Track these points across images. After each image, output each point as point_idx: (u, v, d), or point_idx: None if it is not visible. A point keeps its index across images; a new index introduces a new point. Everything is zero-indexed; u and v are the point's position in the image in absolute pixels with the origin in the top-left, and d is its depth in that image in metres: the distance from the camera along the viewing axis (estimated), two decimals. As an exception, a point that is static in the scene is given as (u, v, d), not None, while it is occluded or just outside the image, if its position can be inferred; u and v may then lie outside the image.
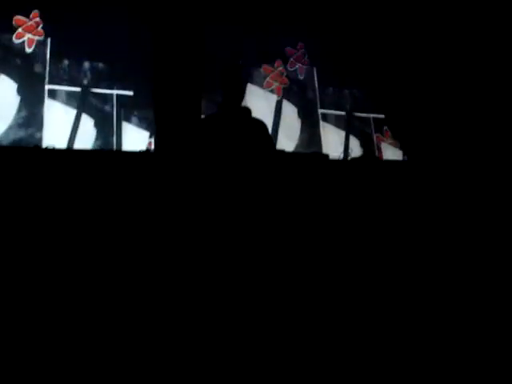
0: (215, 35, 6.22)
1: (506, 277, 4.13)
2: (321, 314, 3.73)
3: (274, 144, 3.76)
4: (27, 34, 5.75)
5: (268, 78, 6.83)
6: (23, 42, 5.75)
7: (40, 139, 5.50)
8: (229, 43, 6.31)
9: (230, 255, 3.36)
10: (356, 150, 6.53)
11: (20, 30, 5.75)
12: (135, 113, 5.96)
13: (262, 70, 6.80)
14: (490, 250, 4.36)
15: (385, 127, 7.02)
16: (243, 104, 3.89)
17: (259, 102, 6.47)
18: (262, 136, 3.69)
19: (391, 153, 6.79)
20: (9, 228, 3.78)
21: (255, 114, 3.85)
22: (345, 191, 4.50)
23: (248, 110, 3.75)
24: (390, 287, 4.03)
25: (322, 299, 3.82)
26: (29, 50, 5.71)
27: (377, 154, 6.75)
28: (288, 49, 6.88)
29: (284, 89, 6.82)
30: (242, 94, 3.77)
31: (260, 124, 3.71)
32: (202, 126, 3.99)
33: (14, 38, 5.72)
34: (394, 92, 6.91)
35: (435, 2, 6.53)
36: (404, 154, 6.84)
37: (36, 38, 5.76)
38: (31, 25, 5.76)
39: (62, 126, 5.64)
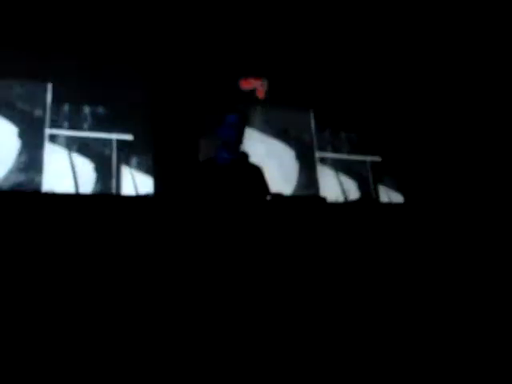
0: (210, 78, 6.33)
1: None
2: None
3: (269, 190, 3.79)
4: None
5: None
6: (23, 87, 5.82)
7: (39, 183, 5.52)
8: (223, 86, 6.40)
9: (227, 300, 3.37)
10: (353, 192, 6.55)
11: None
12: (134, 157, 6.00)
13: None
14: (489, 295, 4.36)
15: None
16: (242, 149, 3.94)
17: (256, 145, 6.51)
18: (258, 182, 3.73)
19: (388, 195, 6.81)
20: (7, 273, 3.78)
21: (252, 156, 3.89)
22: (343, 234, 4.51)
23: (245, 155, 3.80)
24: (390, 336, 4.03)
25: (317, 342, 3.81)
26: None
27: (374, 196, 6.79)
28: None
29: (281, 132, 6.87)
30: (241, 140, 3.82)
31: (257, 170, 3.75)
32: (200, 171, 4.02)
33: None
34: (391, 135, 6.98)
35: (429, 46, 6.65)
36: (403, 196, 6.88)
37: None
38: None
39: (62, 170, 5.66)
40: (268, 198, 3.91)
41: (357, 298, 4.23)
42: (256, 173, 3.77)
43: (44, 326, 3.64)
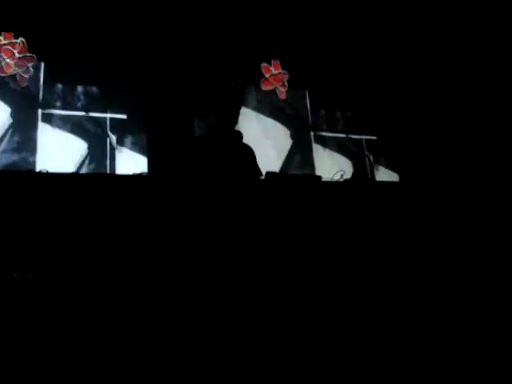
0: (205, 56, 6.29)
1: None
2: (314, 326, 3.74)
3: (261, 173, 3.76)
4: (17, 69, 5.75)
5: (268, 77, 6.86)
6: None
7: (33, 163, 5.49)
8: (219, 63, 6.36)
9: (223, 278, 3.37)
10: (349, 171, 6.55)
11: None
12: (128, 136, 5.98)
13: (261, 69, 6.81)
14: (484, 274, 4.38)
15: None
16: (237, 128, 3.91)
17: (251, 124, 6.49)
18: (249, 163, 3.70)
19: (384, 174, 6.81)
20: (3, 252, 3.79)
21: (247, 136, 3.86)
22: (337, 212, 4.52)
23: (239, 135, 3.77)
24: (385, 306, 4.04)
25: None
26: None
27: (369, 175, 6.79)
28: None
29: (277, 110, 6.85)
30: (235, 117, 3.78)
31: (249, 151, 3.73)
32: (193, 149, 3.99)
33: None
34: (387, 114, 6.97)
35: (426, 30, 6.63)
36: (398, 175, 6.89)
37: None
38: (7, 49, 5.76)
39: (56, 149, 5.64)
40: (259, 177, 3.88)
41: (352, 277, 4.24)
42: (247, 154, 3.74)
43: (38, 306, 3.65)
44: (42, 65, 5.85)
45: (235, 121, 3.75)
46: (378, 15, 6.89)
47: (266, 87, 6.82)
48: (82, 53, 5.90)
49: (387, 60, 7.04)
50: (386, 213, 4.66)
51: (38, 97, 5.76)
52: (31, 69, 5.78)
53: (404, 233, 4.59)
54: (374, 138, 7.09)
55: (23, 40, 5.79)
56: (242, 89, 6.05)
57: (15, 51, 5.73)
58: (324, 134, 6.97)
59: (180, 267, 3.77)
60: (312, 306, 3.94)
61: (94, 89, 6.00)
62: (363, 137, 7.06)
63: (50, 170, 4.60)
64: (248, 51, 6.60)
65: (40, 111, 5.71)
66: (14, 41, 5.76)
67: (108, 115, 5.94)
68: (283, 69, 6.91)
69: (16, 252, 3.83)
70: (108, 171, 5.74)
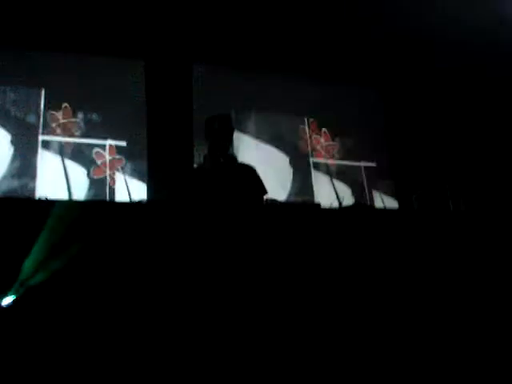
0: (207, 83, 6.32)
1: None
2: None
3: (265, 188, 3.78)
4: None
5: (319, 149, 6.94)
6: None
7: (33, 189, 5.50)
8: (220, 91, 6.38)
9: (222, 305, 3.36)
10: (347, 198, 6.55)
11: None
12: (128, 163, 6.00)
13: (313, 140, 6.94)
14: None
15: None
16: (230, 152, 3.93)
17: (250, 152, 6.51)
18: (252, 182, 3.71)
19: (383, 201, 6.81)
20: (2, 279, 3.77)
21: (246, 161, 3.88)
22: (337, 240, 4.51)
23: (233, 158, 3.79)
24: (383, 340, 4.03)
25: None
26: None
27: (368, 202, 6.79)
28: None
29: (275, 138, 6.87)
30: (228, 143, 3.80)
31: (250, 170, 3.74)
32: (193, 177, 4.01)
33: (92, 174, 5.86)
34: (385, 141, 6.99)
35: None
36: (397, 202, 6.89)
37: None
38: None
39: (56, 176, 5.65)
40: (264, 197, 3.89)
41: (351, 303, 4.23)
42: (249, 173, 3.76)
43: (39, 335, 3.63)
44: (43, 91, 5.87)
45: (227, 147, 3.77)
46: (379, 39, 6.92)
47: (317, 159, 6.92)
48: (82, 79, 5.93)
49: (386, 84, 7.08)
50: (385, 240, 4.65)
51: (38, 124, 5.78)
52: (121, 170, 5.93)
53: (404, 260, 4.58)
54: (374, 164, 7.10)
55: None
56: (236, 118, 6.07)
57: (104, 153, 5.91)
58: (323, 160, 6.98)
59: (178, 295, 3.76)
60: (311, 335, 3.93)
61: (94, 115, 6.02)
62: (362, 163, 7.07)
63: (50, 197, 4.61)
64: (246, 77, 6.64)
65: (40, 138, 5.73)
66: (117, 157, 5.98)
67: (108, 142, 5.96)
68: (333, 140, 7.00)
69: (14, 277, 3.82)
70: (107, 198, 5.75)
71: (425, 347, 3.87)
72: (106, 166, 5.88)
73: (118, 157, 5.98)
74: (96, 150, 5.91)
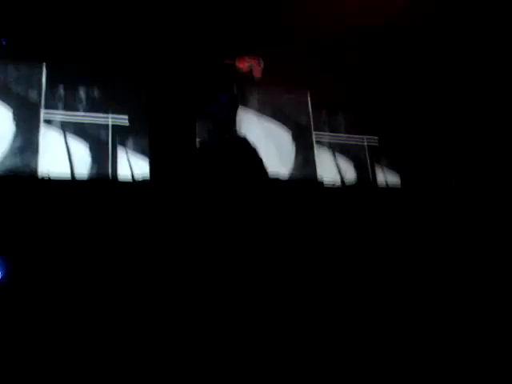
0: (206, 57, 6.28)
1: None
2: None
3: (266, 169, 3.78)
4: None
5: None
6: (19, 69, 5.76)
7: (35, 167, 5.49)
8: (221, 65, 6.34)
9: (225, 282, 3.38)
10: (350, 173, 6.54)
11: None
12: (130, 140, 5.98)
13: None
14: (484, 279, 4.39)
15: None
16: (236, 128, 3.93)
17: (253, 126, 6.49)
18: (254, 161, 3.71)
19: (386, 178, 6.80)
20: (5, 256, 3.80)
21: (249, 137, 3.87)
22: (340, 218, 4.52)
23: (239, 136, 3.79)
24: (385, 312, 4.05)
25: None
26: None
27: (371, 178, 6.78)
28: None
29: (278, 112, 6.84)
30: (233, 122, 3.79)
31: (252, 149, 3.74)
32: (196, 154, 4.01)
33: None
34: (388, 115, 6.96)
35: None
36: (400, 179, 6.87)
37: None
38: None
39: (58, 153, 5.64)
40: (266, 175, 3.89)
41: (354, 282, 4.25)
42: (250, 152, 3.75)
43: (37, 305, 3.67)
44: (44, 68, 5.84)
45: (232, 126, 3.77)
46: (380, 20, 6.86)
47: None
48: (84, 56, 5.89)
49: (389, 61, 7.02)
50: (387, 218, 4.66)
51: (40, 100, 5.75)
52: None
53: (406, 238, 4.60)
54: (376, 138, 7.08)
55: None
56: (239, 94, 6.01)
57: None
58: (325, 134, 6.96)
59: (182, 271, 3.78)
60: (313, 311, 3.95)
61: (96, 92, 5.99)
62: (365, 138, 7.05)
63: (52, 175, 4.61)
64: (248, 51, 6.59)
65: (42, 114, 5.71)
66: None
67: (110, 118, 5.94)
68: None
69: (18, 257, 3.85)
70: (110, 175, 5.74)
71: (426, 338, 3.90)
72: None
73: None
74: None
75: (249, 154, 3.77)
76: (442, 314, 4.08)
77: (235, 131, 3.87)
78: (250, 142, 3.77)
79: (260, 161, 3.76)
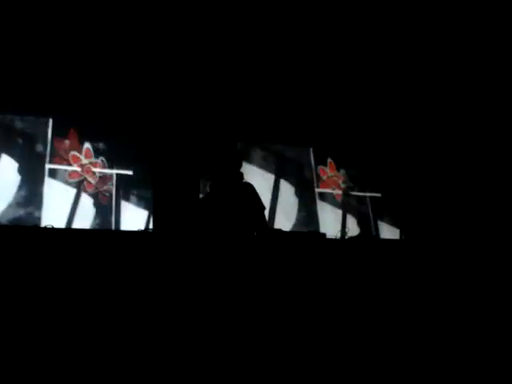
0: (214, 114, 6.36)
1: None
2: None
3: (263, 207, 3.78)
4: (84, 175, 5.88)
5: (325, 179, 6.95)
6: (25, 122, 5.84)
7: (39, 218, 5.51)
8: (225, 121, 6.41)
9: (226, 333, 3.35)
10: (353, 228, 6.54)
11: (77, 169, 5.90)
12: (134, 192, 6.00)
13: (318, 172, 6.97)
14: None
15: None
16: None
17: (256, 181, 6.51)
18: (251, 200, 3.71)
19: (388, 232, 6.79)
20: (8, 306, 3.78)
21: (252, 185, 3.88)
22: (342, 269, 4.51)
23: (240, 175, 3.80)
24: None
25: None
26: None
27: (374, 233, 6.77)
28: (321, 168, 6.99)
29: (281, 168, 6.89)
30: (235, 176, 3.81)
31: (249, 188, 3.75)
32: (198, 206, 4.02)
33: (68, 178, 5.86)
34: (391, 172, 7.00)
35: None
36: (401, 233, 6.85)
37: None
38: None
39: (62, 205, 5.66)
40: (264, 212, 3.88)
41: (356, 332, 4.22)
42: (248, 192, 3.76)
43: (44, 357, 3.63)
44: (51, 121, 5.91)
45: (234, 179, 3.78)
46: (378, 72, 6.97)
47: (322, 189, 6.93)
48: (89, 110, 5.97)
49: (391, 119, 7.10)
50: (389, 270, 4.65)
51: (46, 152, 5.81)
52: (111, 186, 5.93)
53: (407, 289, 4.58)
54: (379, 195, 7.10)
55: (103, 159, 5.94)
56: (241, 150, 6.06)
57: (96, 170, 5.92)
58: (328, 191, 6.98)
59: (184, 323, 3.76)
60: (314, 360, 3.92)
61: (101, 145, 6.05)
62: (367, 194, 7.07)
63: (56, 226, 4.62)
64: (252, 108, 6.67)
65: (47, 167, 5.75)
66: (94, 160, 5.94)
67: (114, 171, 5.98)
68: (338, 170, 7.03)
69: (20, 307, 3.83)
70: (113, 227, 5.75)
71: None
72: (82, 170, 5.86)
73: (94, 160, 5.97)
74: (72, 153, 5.90)
75: (245, 195, 3.77)
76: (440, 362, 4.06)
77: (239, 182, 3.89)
78: (253, 189, 3.78)
79: (257, 197, 3.75)
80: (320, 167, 6.96)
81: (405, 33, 6.51)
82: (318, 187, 6.92)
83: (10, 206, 5.47)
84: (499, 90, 6.65)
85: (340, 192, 6.95)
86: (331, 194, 6.93)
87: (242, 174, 3.80)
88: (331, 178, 7.00)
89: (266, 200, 4.32)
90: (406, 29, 6.47)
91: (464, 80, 6.79)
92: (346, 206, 6.93)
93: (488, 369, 3.90)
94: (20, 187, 5.57)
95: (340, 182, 6.99)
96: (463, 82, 6.80)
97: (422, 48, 6.66)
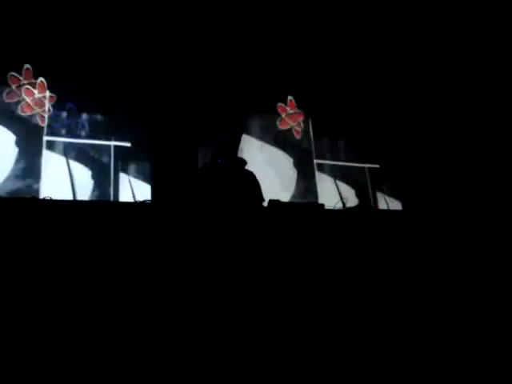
0: (209, 85, 6.33)
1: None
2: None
3: (263, 197, 3.79)
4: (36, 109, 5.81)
5: (284, 117, 6.90)
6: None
7: (37, 190, 5.51)
8: (222, 94, 6.39)
9: (225, 306, 3.37)
10: (352, 200, 6.54)
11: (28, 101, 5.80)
12: (133, 164, 6.00)
13: (277, 108, 6.88)
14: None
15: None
16: (239, 154, 3.94)
17: (254, 153, 6.51)
18: (252, 188, 3.72)
19: (387, 202, 6.79)
20: (5, 279, 3.79)
21: (250, 164, 3.89)
22: (341, 241, 4.51)
23: (242, 162, 3.79)
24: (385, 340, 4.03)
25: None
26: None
27: (372, 203, 6.79)
28: (280, 105, 6.92)
29: (280, 138, 6.87)
30: (237, 146, 3.81)
31: (251, 176, 3.75)
32: (197, 177, 4.01)
33: (19, 111, 5.78)
34: (389, 142, 6.99)
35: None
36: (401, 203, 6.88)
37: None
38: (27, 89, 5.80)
39: (60, 177, 5.65)
40: (262, 204, 3.90)
41: (355, 305, 4.24)
42: (249, 179, 3.77)
43: (41, 331, 3.64)
44: (47, 93, 5.88)
45: (236, 150, 3.78)
46: (381, 42, 6.95)
47: (282, 127, 6.88)
48: (87, 81, 5.95)
49: (391, 89, 7.08)
50: (388, 242, 4.65)
51: (43, 124, 5.79)
52: (51, 108, 5.84)
53: (407, 262, 4.58)
54: (377, 166, 7.09)
55: (43, 80, 5.86)
56: (243, 118, 6.06)
57: (35, 91, 5.81)
58: (327, 162, 6.98)
59: (181, 295, 3.76)
60: (312, 336, 3.94)
61: (99, 116, 6.03)
62: (366, 165, 7.07)
63: (54, 198, 4.62)
64: (251, 79, 6.65)
65: (44, 138, 5.74)
66: (33, 81, 5.84)
67: (112, 143, 5.97)
68: (298, 108, 6.97)
69: (18, 277, 3.84)
70: (112, 199, 5.75)
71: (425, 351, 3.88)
72: (35, 104, 5.82)
73: (50, 94, 5.92)
74: (25, 87, 5.84)
75: (250, 182, 3.77)
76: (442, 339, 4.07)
77: (239, 158, 3.88)
78: (248, 170, 3.78)
79: (258, 185, 3.76)
80: (279, 104, 6.92)
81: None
82: (316, 158, 6.91)
83: (7, 178, 5.47)
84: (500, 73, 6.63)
85: (299, 129, 6.94)
86: (330, 165, 6.93)
87: (244, 161, 3.80)
88: (292, 116, 6.95)
89: (263, 172, 4.31)
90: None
91: (462, 51, 6.77)
92: (345, 177, 6.94)
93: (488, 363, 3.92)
94: (18, 159, 5.57)
95: (300, 119, 6.96)
96: (462, 54, 6.78)
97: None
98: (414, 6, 6.59)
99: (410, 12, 6.67)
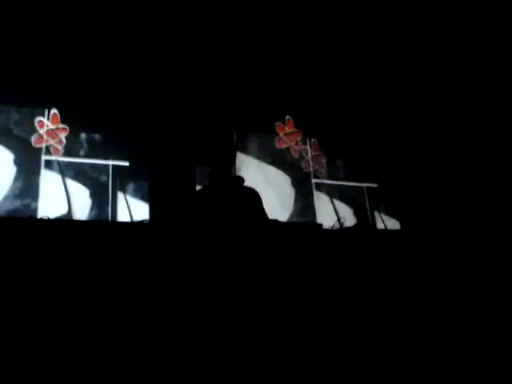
0: (207, 105, 6.36)
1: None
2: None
3: (266, 214, 3.79)
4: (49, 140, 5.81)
5: (282, 136, 6.91)
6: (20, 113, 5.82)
7: (35, 209, 5.50)
8: (220, 113, 6.41)
9: (222, 326, 3.36)
10: (349, 219, 6.54)
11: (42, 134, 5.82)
12: (131, 183, 6.00)
13: (275, 127, 6.91)
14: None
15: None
16: (237, 173, 3.95)
17: (252, 172, 6.52)
18: (254, 206, 3.72)
19: (385, 222, 6.79)
20: (4, 299, 3.78)
21: (248, 183, 3.89)
22: (339, 260, 4.51)
23: (241, 180, 3.80)
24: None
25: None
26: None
27: (370, 222, 6.78)
28: (278, 124, 6.95)
29: (278, 157, 6.89)
30: (231, 164, 3.82)
31: (253, 193, 3.74)
32: (195, 197, 4.02)
33: (33, 143, 5.78)
34: (387, 162, 7.01)
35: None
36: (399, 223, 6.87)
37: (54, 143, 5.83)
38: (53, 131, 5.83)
39: (58, 196, 5.65)
40: (266, 221, 3.90)
41: (353, 323, 4.23)
42: (252, 196, 3.76)
43: (39, 349, 3.64)
44: (46, 111, 5.90)
45: (230, 167, 3.79)
46: (376, 64, 6.98)
47: (280, 146, 6.90)
48: (85, 101, 5.96)
49: (389, 109, 7.11)
50: (387, 261, 4.65)
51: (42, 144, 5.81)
52: (64, 140, 5.88)
53: (405, 281, 4.58)
54: (375, 185, 7.10)
55: (56, 112, 5.92)
56: (238, 139, 6.07)
57: (48, 122, 5.89)
58: (325, 181, 6.98)
59: (180, 316, 3.76)
60: (308, 356, 3.93)
61: (97, 136, 6.04)
62: (364, 184, 7.07)
63: (52, 217, 4.62)
64: (249, 98, 6.67)
65: (43, 158, 5.75)
66: (61, 126, 5.91)
67: (110, 162, 5.97)
68: (296, 127, 6.99)
69: (16, 298, 3.83)
70: (110, 218, 5.74)
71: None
72: (47, 135, 5.82)
73: (62, 126, 5.93)
74: (38, 118, 5.85)
75: (252, 199, 3.77)
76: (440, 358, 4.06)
77: (237, 177, 3.89)
78: (251, 188, 3.79)
79: (260, 201, 3.76)
80: (277, 123, 6.94)
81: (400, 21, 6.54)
82: (314, 177, 6.92)
83: (5, 197, 5.47)
84: (498, 77, 6.66)
85: (297, 148, 6.95)
86: (328, 184, 6.94)
87: (242, 179, 3.81)
88: (289, 135, 6.96)
89: (262, 191, 4.31)
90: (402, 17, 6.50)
91: (459, 69, 6.80)
92: (343, 196, 6.94)
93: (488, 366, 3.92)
94: (16, 178, 5.57)
95: (298, 138, 6.97)
96: (459, 72, 6.81)
97: (415, 35, 6.69)
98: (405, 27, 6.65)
99: (404, 31, 6.73)
